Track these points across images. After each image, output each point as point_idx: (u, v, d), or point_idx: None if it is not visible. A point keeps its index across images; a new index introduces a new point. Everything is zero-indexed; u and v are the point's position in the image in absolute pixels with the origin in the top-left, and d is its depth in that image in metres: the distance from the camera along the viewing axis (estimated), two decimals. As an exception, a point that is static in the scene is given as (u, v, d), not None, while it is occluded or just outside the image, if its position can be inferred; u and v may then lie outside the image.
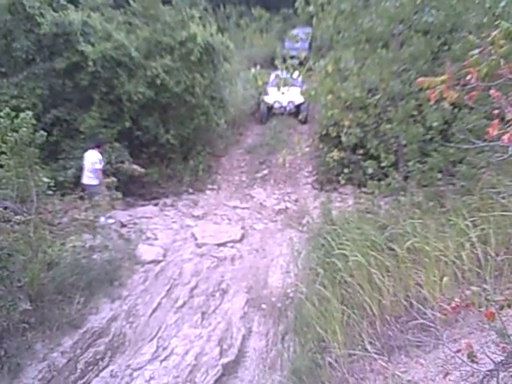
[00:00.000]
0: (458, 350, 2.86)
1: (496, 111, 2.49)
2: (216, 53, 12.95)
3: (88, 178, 9.59)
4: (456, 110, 7.05)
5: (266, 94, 18.55)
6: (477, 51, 2.51)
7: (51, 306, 6.29)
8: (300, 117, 17.41)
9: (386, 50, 7.52)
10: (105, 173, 10.14)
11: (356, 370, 4.64)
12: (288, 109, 18.63)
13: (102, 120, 11.39)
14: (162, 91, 12.06)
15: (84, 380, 5.64)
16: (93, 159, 9.44)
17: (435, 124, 6.91)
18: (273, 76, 16.83)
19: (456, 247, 4.96)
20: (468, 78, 2.40)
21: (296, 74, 15.57)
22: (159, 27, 12.38)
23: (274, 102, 18.54)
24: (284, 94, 16.11)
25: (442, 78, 2.44)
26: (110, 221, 9.13)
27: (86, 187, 9.57)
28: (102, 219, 8.50)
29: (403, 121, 7.32)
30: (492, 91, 2.37)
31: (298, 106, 18.25)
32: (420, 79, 2.64)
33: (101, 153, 9.66)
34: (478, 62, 2.41)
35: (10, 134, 6.63)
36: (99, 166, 9.39)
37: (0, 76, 10.89)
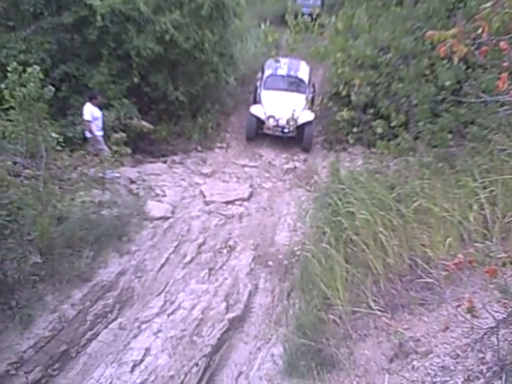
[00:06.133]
0: (459, 305, 2.90)
1: (505, 64, 2.43)
2: (226, 8, 12.61)
3: (85, 132, 9.67)
4: (469, 70, 6.92)
5: (256, 101, 13.74)
6: (489, 4, 2.43)
7: (61, 259, 6.38)
8: (302, 142, 12.58)
9: (400, 6, 7.33)
10: (113, 129, 10.12)
11: (359, 326, 4.72)
12: (287, 131, 12.52)
13: (110, 76, 11.26)
14: (171, 47, 11.87)
15: (93, 331, 5.81)
16: (84, 112, 9.43)
17: (447, 83, 6.79)
18: (268, 71, 14.05)
19: (464, 208, 4.96)
20: (479, 31, 2.33)
21: (303, 66, 13.84)
22: (168, -20, 12.09)
23: (268, 118, 12.64)
24: (283, 105, 12.60)
25: (453, 31, 2.37)
26: (116, 174, 9.16)
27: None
28: (109, 171, 8.54)
29: (415, 80, 7.19)
30: (502, 43, 2.29)
31: (301, 127, 12.40)
32: (430, 33, 2.56)
33: (98, 106, 9.60)
34: (490, 15, 2.33)
35: (18, 89, 6.61)
36: (87, 118, 9.35)
37: (8, 30, 10.74)
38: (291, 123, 12.07)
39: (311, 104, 12.62)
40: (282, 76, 13.80)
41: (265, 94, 13.32)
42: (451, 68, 6.55)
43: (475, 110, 6.78)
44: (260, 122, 12.79)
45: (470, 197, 5.11)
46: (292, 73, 13.90)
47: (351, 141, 9.62)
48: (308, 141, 12.55)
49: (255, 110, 12.95)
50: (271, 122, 12.59)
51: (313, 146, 12.72)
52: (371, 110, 8.95)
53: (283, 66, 13.78)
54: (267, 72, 14.02)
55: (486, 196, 4.89)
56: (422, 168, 6.74)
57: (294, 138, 12.69)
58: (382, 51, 7.80)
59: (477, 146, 6.60)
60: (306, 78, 13.82)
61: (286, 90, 13.42)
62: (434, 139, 7.23)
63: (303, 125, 12.39)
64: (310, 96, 13.27)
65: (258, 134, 12.92)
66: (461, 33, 2.35)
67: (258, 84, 14.23)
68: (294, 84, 13.61)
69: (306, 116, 12.40)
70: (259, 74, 14.82)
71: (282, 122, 12.41)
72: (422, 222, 5.14)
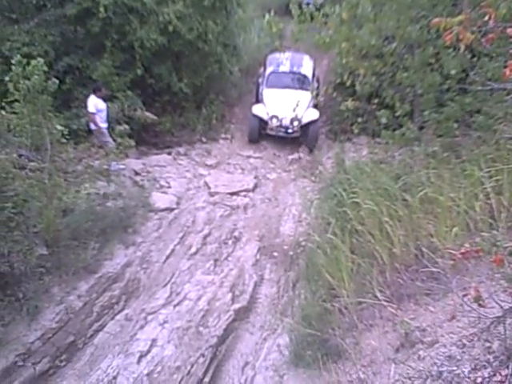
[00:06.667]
0: (465, 295, 2.90)
1: (512, 51, 2.40)
2: (229, -2, 12.59)
3: (90, 124, 9.63)
4: (475, 59, 6.87)
5: (258, 99, 13.08)
6: (496, -10, 2.39)
7: (67, 251, 6.41)
8: (307, 142, 12.05)
9: (405, -6, 7.27)
10: (118, 121, 10.11)
11: (365, 316, 4.73)
12: (290, 131, 11.99)
13: (114, 68, 11.24)
14: (174, 38, 11.81)
15: (100, 322, 5.84)
16: (88, 104, 9.40)
17: (453, 72, 6.74)
18: (270, 68, 13.44)
19: (470, 198, 4.94)
20: (485, 19, 2.29)
21: (306, 60, 13.42)
22: (171, -30, 12.01)
23: (271, 118, 11.96)
24: (287, 104, 11.76)
25: (459, 18, 2.34)
26: (121, 166, 9.17)
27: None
28: (114, 163, 8.54)
29: (420, 69, 7.14)
30: (509, 30, 2.26)
31: (305, 126, 11.95)
32: (436, 20, 2.52)
33: (102, 98, 9.57)
34: (497, 1, 2.30)
35: (22, 82, 6.62)
36: (91, 110, 9.31)
37: (11, 23, 10.73)
38: (295, 123, 11.82)
39: (316, 98, 11.65)
40: (285, 73, 13.18)
41: (267, 93, 12.65)
42: (456, 56, 6.51)
43: (481, 99, 6.74)
44: (263, 123, 12.13)
45: (475, 186, 5.09)
46: (295, 69, 13.31)
47: (356, 131, 9.59)
48: (313, 140, 12.01)
49: (257, 110, 12.26)
50: (274, 123, 11.92)
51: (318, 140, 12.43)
52: (376, 100, 8.90)
53: (285, 62, 13.38)
54: (269, 69, 13.41)
55: (492, 185, 4.88)
56: (427, 158, 6.72)
57: (298, 138, 12.21)
58: (387, 40, 7.74)
59: (483, 135, 6.57)
60: (309, 74, 13.21)
61: (289, 87, 12.76)
62: (440, 129, 7.20)
63: (308, 124, 11.90)
64: (315, 92, 11.88)
65: (261, 134, 12.31)
66: (467, 20, 2.31)
67: (260, 81, 13.59)
68: (298, 81, 12.99)
69: (311, 115, 11.96)
70: (261, 70, 14.28)
71: (286, 122, 11.85)
72: (427, 211, 5.13)
